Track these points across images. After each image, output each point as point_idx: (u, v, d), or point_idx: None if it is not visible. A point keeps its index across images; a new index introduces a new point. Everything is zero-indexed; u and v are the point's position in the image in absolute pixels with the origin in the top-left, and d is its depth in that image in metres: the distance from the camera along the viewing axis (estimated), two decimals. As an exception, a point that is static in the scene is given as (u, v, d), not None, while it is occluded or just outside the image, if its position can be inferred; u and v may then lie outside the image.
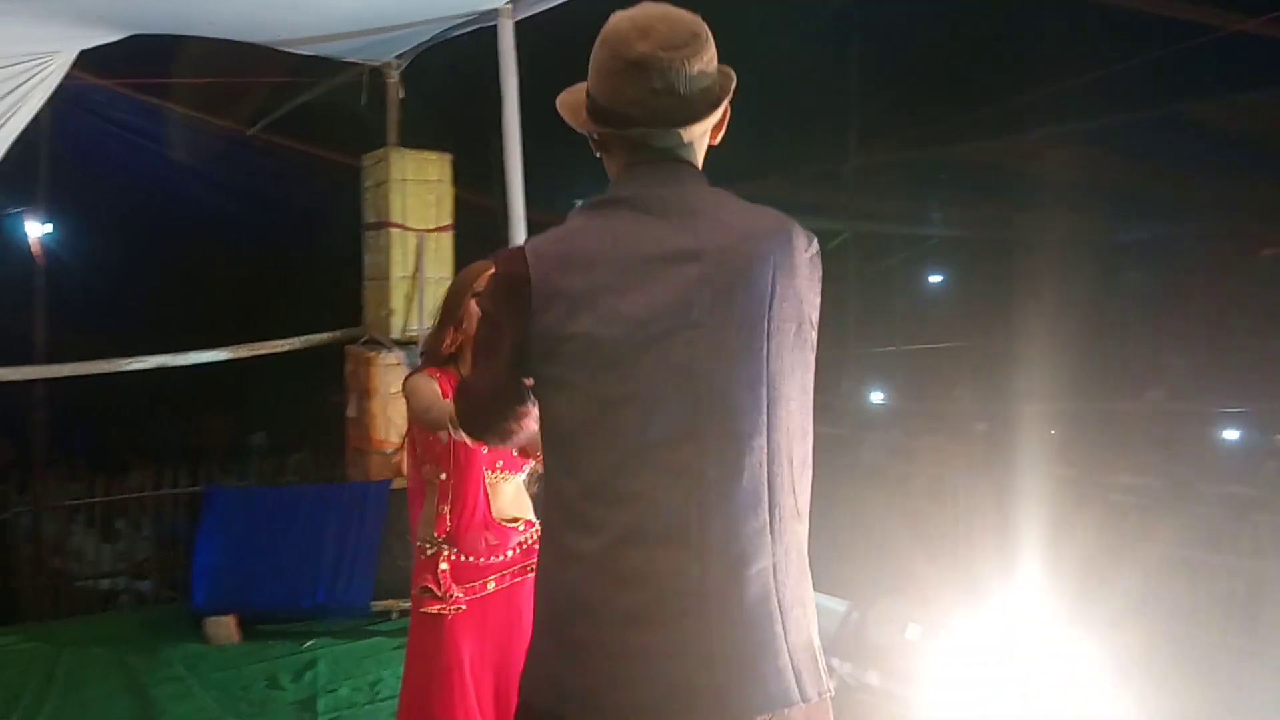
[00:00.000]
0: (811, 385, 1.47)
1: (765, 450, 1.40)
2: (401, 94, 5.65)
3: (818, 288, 1.48)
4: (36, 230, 7.39)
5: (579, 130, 1.53)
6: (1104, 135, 9.42)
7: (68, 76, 6.74)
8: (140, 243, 8.60)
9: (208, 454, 7.72)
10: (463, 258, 5.42)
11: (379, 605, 4.67)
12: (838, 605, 4.16)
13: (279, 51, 5.27)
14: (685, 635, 1.36)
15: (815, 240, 1.49)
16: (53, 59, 4.69)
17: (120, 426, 10.74)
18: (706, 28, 1.45)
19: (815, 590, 1.47)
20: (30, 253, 7.23)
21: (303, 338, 5.49)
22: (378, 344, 5.30)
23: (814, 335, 1.47)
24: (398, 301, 5.33)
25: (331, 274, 6.73)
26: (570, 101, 1.52)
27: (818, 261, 1.49)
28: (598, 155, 1.55)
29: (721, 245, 1.41)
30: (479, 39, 4.88)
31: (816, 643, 1.44)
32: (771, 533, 1.40)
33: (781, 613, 1.39)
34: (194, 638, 4.61)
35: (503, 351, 1.48)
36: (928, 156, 11.01)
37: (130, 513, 7.24)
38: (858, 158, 11.00)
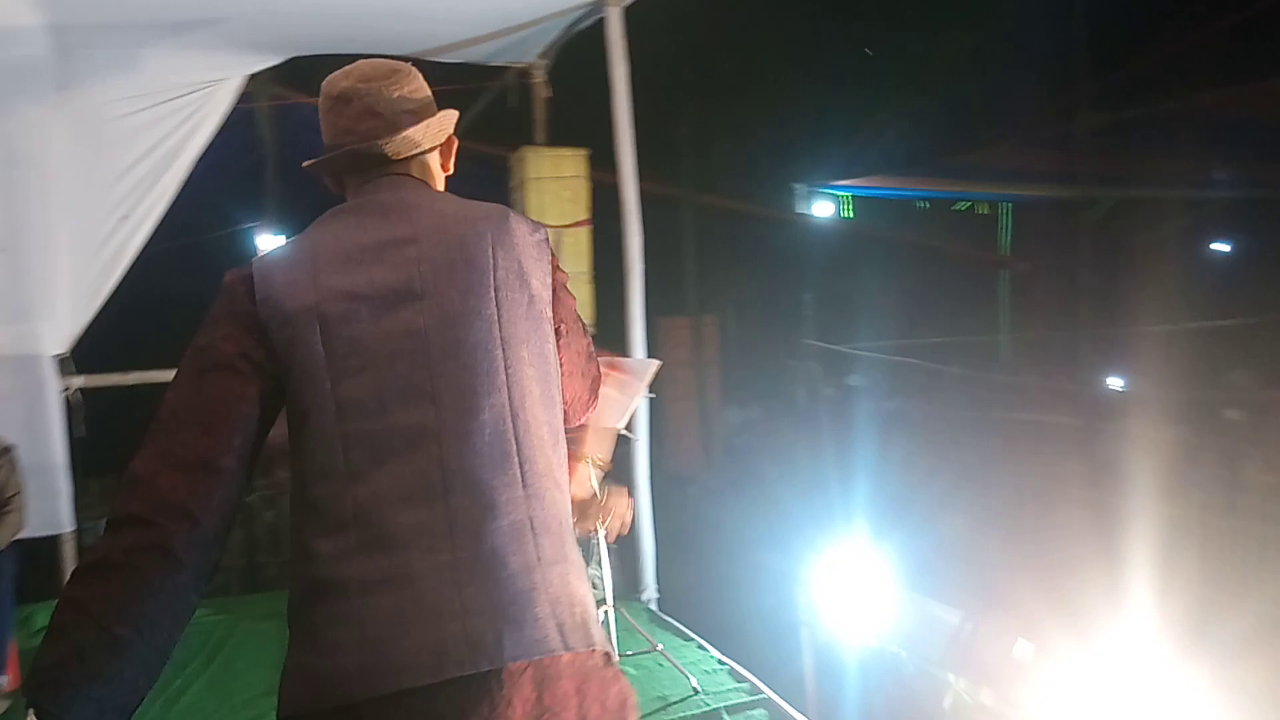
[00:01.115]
0: (553, 357, 1.54)
1: (507, 408, 1.44)
2: (547, 92, 5.76)
3: (547, 269, 1.55)
4: (266, 244, 8.26)
5: (320, 176, 1.67)
6: None
7: (287, 99, 7.50)
8: None
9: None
10: (601, 250, 5.43)
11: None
12: (951, 615, 3.78)
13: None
14: (436, 590, 1.36)
15: (542, 228, 1.59)
16: (222, 85, 5.19)
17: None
18: (412, 69, 1.65)
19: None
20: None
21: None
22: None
23: (548, 313, 1.53)
24: (536, 296, 5.43)
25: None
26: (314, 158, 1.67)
27: (545, 248, 1.57)
28: (336, 193, 1.68)
29: (437, 228, 1.51)
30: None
31: (582, 599, 1.43)
32: (525, 487, 1.42)
33: (541, 566, 1.39)
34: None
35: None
36: (1205, 107, 9.66)
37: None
38: (1102, 114, 9.84)
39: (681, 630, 4.47)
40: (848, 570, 4.33)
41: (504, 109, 6.19)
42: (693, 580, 5.49)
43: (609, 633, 3.81)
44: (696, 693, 3.74)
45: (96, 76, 4.88)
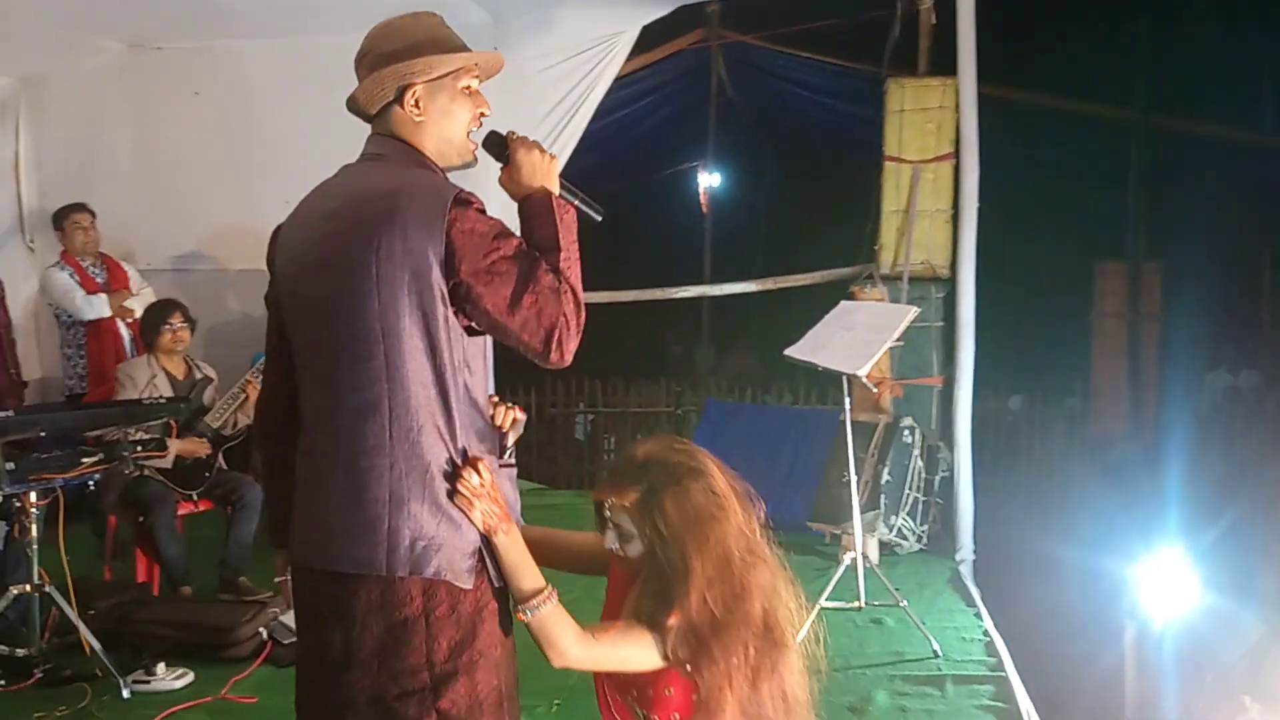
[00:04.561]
0: (439, 330, 1.65)
1: (384, 372, 1.66)
2: (933, 20, 5.49)
3: (437, 237, 1.62)
4: (705, 181, 8.85)
5: None
6: None
7: (726, 39, 7.98)
8: (784, 178, 9.46)
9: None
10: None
11: (814, 525, 4.88)
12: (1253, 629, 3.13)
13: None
14: (316, 500, 1.74)
15: (450, 196, 1.64)
16: (619, 39, 5.75)
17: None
18: (384, 44, 1.76)
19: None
20: (698, 201, 8.73)
21: (822, 272, 5.79)
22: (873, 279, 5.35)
23: (437, 281, 1.63)
24: (889, 236, 5.28)
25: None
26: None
27: (437, 219, 1.63)
28: None
29: (351, 206, 1.71)
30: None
31: (421, 536, 1.66)
32: (391, 438, 1.66)
33: (390, 503, 1.66)
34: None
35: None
36: None
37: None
38: None
39: (970, 594, 4.23)
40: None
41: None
42: (1041, 551, 5.05)
43: (856, 581, 3.79)
44: (936, 656, 3.59)
45: (521, 37, 5.70)
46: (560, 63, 5.76)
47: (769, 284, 5.96)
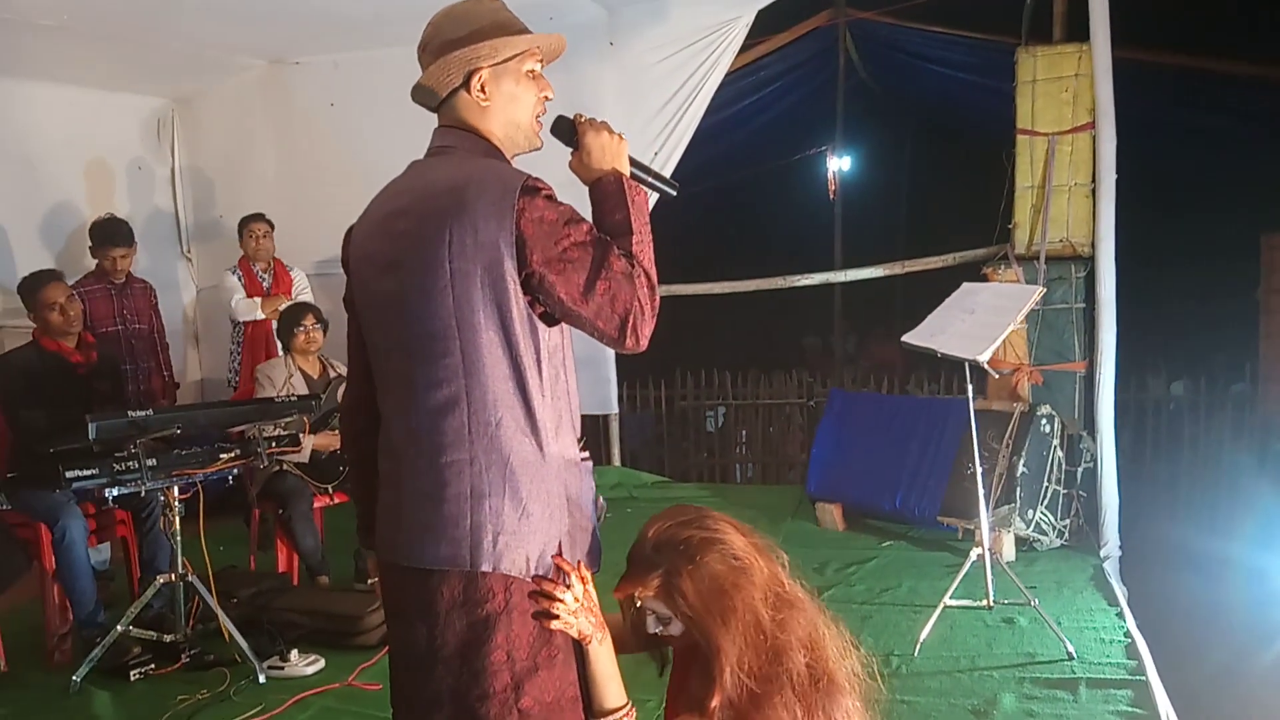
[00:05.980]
0: (514, 322, 1.64)
1: (461, 367, 1.66)
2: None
3: (508, 227, 1.61)
4: (835, 165, 8.60)
5: None
6: None
7: (853, 17, 7.75)
8: (918, 158, 9.05)
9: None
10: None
11: (945, 520, 4.67)
12: None
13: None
14: (397, 497, 1.75)
15: (514, 186, 1.62)
16: (735, 24, 5.65)
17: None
18: (449, 30, 1.74)
19: None
20: (826, 185, 8.49)
21: (955, 254, 5.54)
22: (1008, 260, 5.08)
23: (510, 272, 1.62)
24: (1023, 214, 5.00)
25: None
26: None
27: (506, 208, 1.61)
28: None
29: (420, 201, 1.71)
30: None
31: (503, 530, 1.65)
32: (470, 433, 1.66)
33: (471, 499, 1.65)
34: (809, 518, 5.29)
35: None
36: None
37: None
38: None
39: (1113, 592, 3.96)
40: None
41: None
42: (1197, 547, 4.70)
43: (985, 578, 3.61)
44: (1070, 658, 3.37)
45: (635, 29, 5.70)
46: (675, 53, 5.70)
47: (896, 268, 5.74)
